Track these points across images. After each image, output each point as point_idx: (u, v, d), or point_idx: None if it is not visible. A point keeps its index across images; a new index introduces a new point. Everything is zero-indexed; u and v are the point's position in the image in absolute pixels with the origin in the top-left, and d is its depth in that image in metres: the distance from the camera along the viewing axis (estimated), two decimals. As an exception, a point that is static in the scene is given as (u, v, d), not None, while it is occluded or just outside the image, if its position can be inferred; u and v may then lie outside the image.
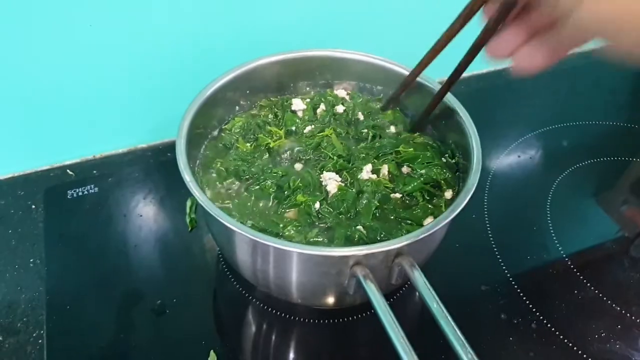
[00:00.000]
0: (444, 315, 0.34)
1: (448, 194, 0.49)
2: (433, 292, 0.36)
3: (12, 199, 0.62)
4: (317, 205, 0.46)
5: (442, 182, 0.49)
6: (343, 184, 0.48)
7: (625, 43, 0.27)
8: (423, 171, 0.50)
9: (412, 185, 0.48)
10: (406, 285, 0.54)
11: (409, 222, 0.46)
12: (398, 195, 0.48)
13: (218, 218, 0.39)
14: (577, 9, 0.27)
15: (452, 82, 0.47)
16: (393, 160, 0.51)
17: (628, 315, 0.53)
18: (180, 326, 0.50)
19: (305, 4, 0.65)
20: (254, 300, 0.53)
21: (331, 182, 0.48)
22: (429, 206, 0.48)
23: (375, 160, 0.51)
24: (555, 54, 0.32)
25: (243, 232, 0.38)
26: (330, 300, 0.45)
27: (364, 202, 0.46)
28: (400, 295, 0.54)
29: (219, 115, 0.55)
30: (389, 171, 0.50)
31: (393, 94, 0.56)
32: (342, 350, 0.50)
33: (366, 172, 0.49)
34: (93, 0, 0.54)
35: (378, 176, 0.49)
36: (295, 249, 0.38)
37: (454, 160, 0.51)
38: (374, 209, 0.46)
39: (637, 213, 0.66)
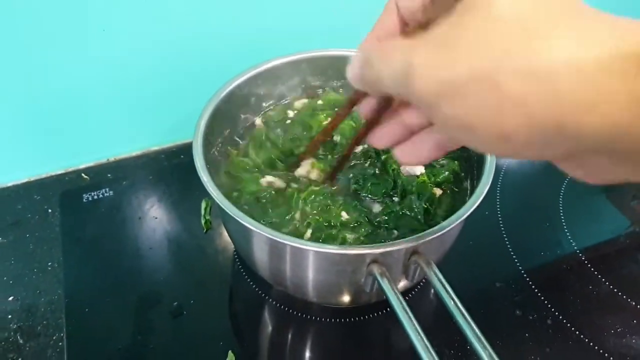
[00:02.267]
0: (461, 312, 0.35)
1: (466, 184, 0.50)
2: (450, 289, 0.36)
3: (29, 203, 0.63)
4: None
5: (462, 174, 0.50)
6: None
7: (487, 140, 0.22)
8: (445, 161, 0.51)
9: (441, 176, 0.49)
10: (421, 283, 0.54)
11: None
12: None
13: (236, 218, 0.39)
14: (437, 107, 0.23)
15: (337, 169, 0.48)
16: None
17: (644, 310, 0.53)
18: (197, 327, 0.51)
19: (325, 4, 0.66)
20: (270, 300, 0.53)
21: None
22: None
23: None
24: (438, 150, 0.31)
25: (261, 232, 0.39)
26: (347, 298, 0.45)
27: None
28: (416, 293, 0.54)
29: (236, 115, 0.55)
30: None
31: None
32: (358, 349, 0.50)
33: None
34: (106, 5, 0.55)
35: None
36: (312, 247, 0.38)
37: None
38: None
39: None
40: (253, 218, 0.40)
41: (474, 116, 0.21)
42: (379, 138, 0.34)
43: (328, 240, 0.45)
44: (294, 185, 0.49)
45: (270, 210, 0.47)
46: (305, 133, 0.54)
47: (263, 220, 0.46)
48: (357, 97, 0.35)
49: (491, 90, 0.20)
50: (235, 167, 0.52)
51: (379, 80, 0.26)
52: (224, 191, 0.42)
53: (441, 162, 0.51)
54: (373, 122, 0.34)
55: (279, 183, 0.49)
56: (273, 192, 0.48)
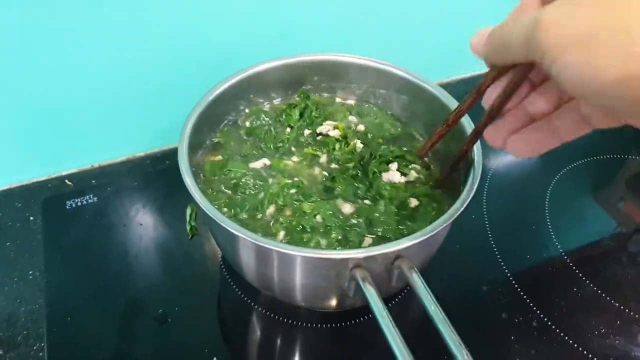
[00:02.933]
0: (442, 317, 0.35)
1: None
2: (431, 295, 0.36)
3: (10, 210, 0.62)
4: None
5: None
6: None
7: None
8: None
9: (419, 190, 0.49)
10: (407, 289, 0.54)
11: None
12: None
13: (221, 223, 0.39)
14: (563, 56, 0.25)
15: (458, 161, 0.46)
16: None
17: (627, 310, 0.53)
18: (182, 335, 0.50)
19: (308, 9, 0.66)
20: (256, 306, 0.53)
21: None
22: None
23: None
24: (556, 139, 0.33)
25: (247, 237, 0.38)
26: (332, 302, 0.45)
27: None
28: (402, 298, 0.54)
29: (221, 120, 0.56)
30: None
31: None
32: (345, 354, 0.50)
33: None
34: (90, 11, 0.54)
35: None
36: (296, 252, 0.38)
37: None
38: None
39: (634, 209, 0.67)
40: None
41: (599, 62, 0.24)
42: (497, 132, 0.35)
43: (300, 244, 0.45)
44: (273, 180, 0.51)
45: (245, 203, 0.48)
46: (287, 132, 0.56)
47: (234, 216, 0.48)
48: (485, 84, 0.36)
49: (621, 45, 0.23)
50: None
51: (507, 40, 0.28)
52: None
53: (420, 176, 0.51)
54: (495, 111, 0.35)
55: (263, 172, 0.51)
56: (252, 179, 0.50)
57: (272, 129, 0.56)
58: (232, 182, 0.50)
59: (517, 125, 0.34)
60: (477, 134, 0.42)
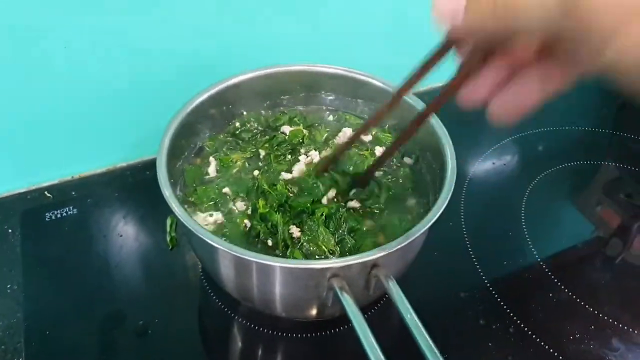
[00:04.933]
0: (417, 325, 0.35)
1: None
2: (407, 303, 0.37)
3: (-12, 223, 0.62)
4: None
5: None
6: None
7: None
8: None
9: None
10: (386, 297, 0.55)
11: None
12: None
13: (199, 235, 0.39)
14: (619, 36, 0.19)
15: (404, 138, 0.42)
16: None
17: (600, 315, 0.54)
18: (163, 346, 0.50)
19: (284, 22, 0.67)
20: (236, 317, 0.53)
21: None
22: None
23: None
24: (544, 92, 0.27)
25: (225, 249, 0.39)
26: (312, 312, 0.46)
27: None
28: (381, 307, 0.54)
29: (199, 130, 0.56)
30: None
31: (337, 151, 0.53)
32: (326, 363, 0.51)
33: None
34: (68, 21, 0.54)
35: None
36: (275, 262, 0.38)
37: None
38: None
39: (611, 214, 0.69)
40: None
41: None
42: (475, 91, 0.28)
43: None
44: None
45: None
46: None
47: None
48: (448, 45, 0.30)
49: None
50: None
51: (516, 13, 0.21)
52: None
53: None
54: (466, 73, 0.28)
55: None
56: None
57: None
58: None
59: (495, 82, 0.28)
60: (442, 101, 0.33)
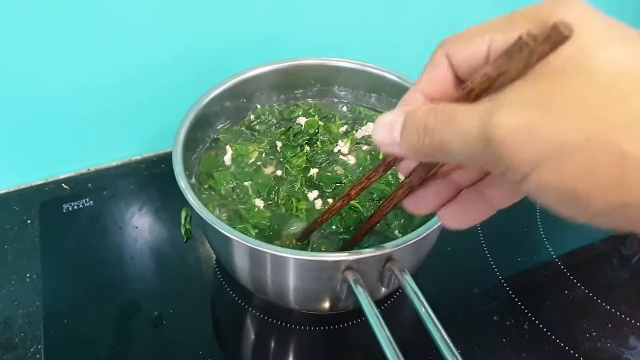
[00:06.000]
0: (432, 319, 0.35)
1: None
2: (422, 297, 0.37)
3: (7, 214, 0.63)
4: None
5: None
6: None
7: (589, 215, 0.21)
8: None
9: None
10: (399, 291, 0.55)
11: None
12: None
13: (215, 226, 0.40)
14: (536, 172, 0.20)
15: (363, 234, 0.42)
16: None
17: (618, 313, 0.53)
18: (177, 337, 0.51)
19: (299, 14, 0.66)
20: (250, 309, 0.53)
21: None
22: None
23: None
24: (492, 209, 0.28)
25: (241, 240, 0.39)
26: (325, 305, 0.46)
27: None
28: (395, 301, 0.54)
29: (214, 123, 0.56)
30: None
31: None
32: (338, 356, 0.51)
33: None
34: (84, 13, 0.55)
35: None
36: (289, 254, 0.38)
37: None
38: None
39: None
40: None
41: (586, 183, 0.19)
42: (421, 202, 0.31)
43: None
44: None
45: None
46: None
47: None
48: (392, 160, 0.32)
49: (613, 156, 0.19)
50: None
51: (443, 150, 0.23)
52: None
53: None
54: (414, 185, 0.31)
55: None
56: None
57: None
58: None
59: (443, 195, 0.30)
60: (391, 206, 0.35)
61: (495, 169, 0.22)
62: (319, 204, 0.49)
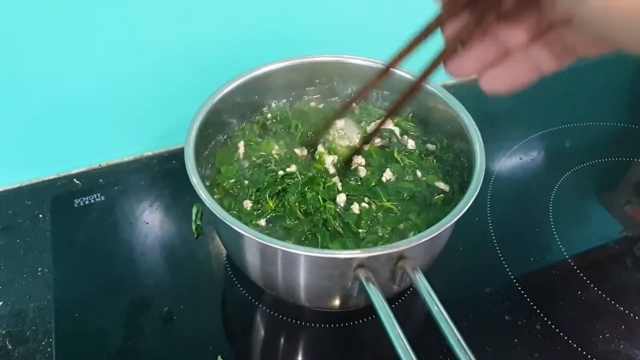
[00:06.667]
0: (444, 318, 0.35)
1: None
2: (434, 295, 0.36)
3: (20, 208, 0.63)
4: None
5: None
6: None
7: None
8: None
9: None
10: (411, 289, 0.54)
11: None
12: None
13: (225, 221, 0.40)
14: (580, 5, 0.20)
15: (395, 109, 0.42)
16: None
17: (632, 315, 0.53)
18: (187, 332, 0.51)
19: (311, 11, 0.66)
20: (260, 305, 0.53)
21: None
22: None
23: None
24: (536, 71, 0.28)
25: (252, 237, 0.39)
26: (336, 302, 0.46)
27: None
28: (406, 299, 0.54)
29: (227, 120, 0.56)
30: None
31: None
32: (349, 354, 0.50)
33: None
34: (97, 9, 0.55)
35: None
36: (300, 251, 0.38)
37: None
38: None
39: (640, 213, 0.67)
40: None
41: None
42: (465, 63, 0.29)
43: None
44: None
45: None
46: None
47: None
48: (436, 23, 0.30)
49: None
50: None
51: None
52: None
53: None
54: (454, 47, 0.29)
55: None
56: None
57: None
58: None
59: (488, 57, 0.29)
60: (432, 68, 0.34)
61: None
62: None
